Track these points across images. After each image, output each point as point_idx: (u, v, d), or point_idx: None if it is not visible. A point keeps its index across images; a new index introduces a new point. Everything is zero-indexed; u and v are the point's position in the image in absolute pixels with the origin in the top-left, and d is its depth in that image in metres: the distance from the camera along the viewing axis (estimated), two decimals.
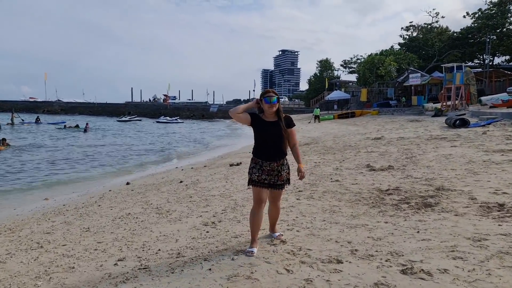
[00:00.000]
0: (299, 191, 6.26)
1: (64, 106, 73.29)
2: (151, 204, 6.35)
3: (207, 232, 4.35)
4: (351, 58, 53.50)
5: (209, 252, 3.65)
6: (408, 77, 31.30)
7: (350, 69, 53.90)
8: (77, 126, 34.01)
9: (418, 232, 3.64)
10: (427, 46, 39.77)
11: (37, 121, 40.92)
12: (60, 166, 13.38)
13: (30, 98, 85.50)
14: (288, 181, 3.84)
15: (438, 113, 22.25)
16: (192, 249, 3.81)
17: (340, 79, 53.48)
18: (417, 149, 10.15)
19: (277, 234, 3.90)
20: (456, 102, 22.57)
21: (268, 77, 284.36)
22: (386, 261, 2.99)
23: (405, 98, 32.05)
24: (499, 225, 3.56)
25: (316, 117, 31.02)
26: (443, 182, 5.73)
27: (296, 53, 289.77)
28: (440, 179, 6.01)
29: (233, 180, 8.10)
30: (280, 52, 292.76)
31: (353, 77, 54.29)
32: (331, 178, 7.17)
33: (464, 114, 19.00)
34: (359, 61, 50.85)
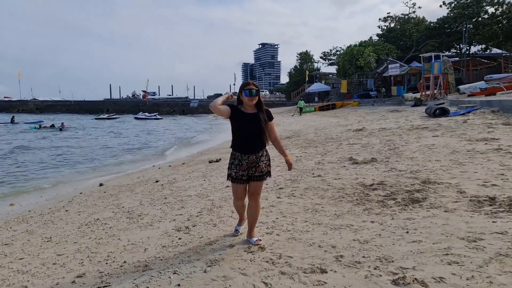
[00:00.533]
0: (280, 188, 5.94)
1: (39, 104, 70.78)
2: (123, 207, 5.90)
3: (179, 239, 3.96)
4: (330, 50, 53.62)
5: (180, 263, 3.27)
6: (387, 67, 31.44)
7: (330, 61, 54.00)
8: (52, 125, 32.65)
9: (407, 232, 3.36)
10: (404, 36, 40.06)
11: (13, 121, 39.06)
12: (31, 168, 12.65)
13: (4, 97, 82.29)
14: (268, 173, 3.72)
15: (417, 102, 22.37)
16: (161, 260, 3.42)
17: (320, 71, 53.51)
18: (399, 140, 9.99)
19: (255, 239, 3.59)
20: (435, 91, 22.73)
21: (248, 71, 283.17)
22: (375, 269, 2.68)
23: (385, 89, 32.23)
24: (493, 222, 3.31)
25: (301, 109, 30.71)
26: (428, 175, 5.51)
27: (276, 46, 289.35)
28: (425, 171, 5.80)
29: (211, 178, 7.71)
30: (260, 46, 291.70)
31: (333, 69, 54.55)
32: (313, 173, 6.88)
33: (443, 103, 19.11)
34: (338, 52, 50.97)
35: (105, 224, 4.99)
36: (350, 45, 40.72)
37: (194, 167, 9.97)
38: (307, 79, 48.81)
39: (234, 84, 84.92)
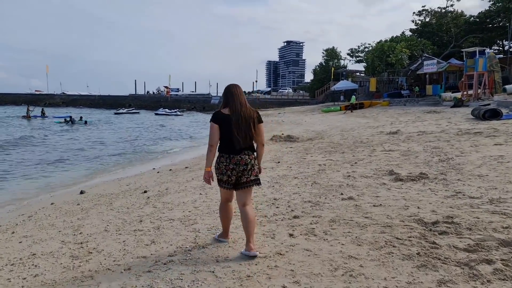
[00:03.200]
0: (295, 217, 4.20)
1: (65, 98, 71.68)
2: (80, 233, 4.34)
3: None
4: (358, 47, 50.80)
5: None
6: (422, 64, 28.82)
7: (358, 58, 51.28)
8: (81, 118, 31.53)
9: None
10: (441, 31, 37.03)
11: (43, 114, 38.46)
12: (22, 167, 11.38)
13: (35, 91, 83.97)
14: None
15: (458, 103, 19.95)
16: None
17: (347, 68, 50.92)
18: (449, 148, 8.01)
19: (256, 253, 3.14)
20: (479, 91, 20.21)
21: (272, 69, 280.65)
22: None
23: (419, 88, 29.60)
24: None
25: (352, 106, 27.69)
26: None
27: (301, 44, 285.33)
28: None
29: (210, 190, 6.06)
30: (285, 43, 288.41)
31: (360, 67, 51.72)
32: (342, 193, 5.10)
33: (489, 104, 16.72)
34: (367, 49, 48.24)
35: (35, 266, 3.41)
36: (381, 40, 38.10)
37: (196, 172, 8.35)
38: (332, 76, 46.42)
39: (256, 81, 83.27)
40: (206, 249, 3.42)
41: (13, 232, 4.69)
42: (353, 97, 29.10)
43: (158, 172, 9.16)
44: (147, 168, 10.65)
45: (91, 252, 3.64)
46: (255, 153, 3.42)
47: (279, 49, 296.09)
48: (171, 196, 5.98)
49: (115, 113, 46.74)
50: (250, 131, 3.29)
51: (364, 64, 45.87)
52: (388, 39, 37.88)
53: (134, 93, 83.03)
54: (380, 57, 34.50)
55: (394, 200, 4.43)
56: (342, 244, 3.19)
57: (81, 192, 7.20)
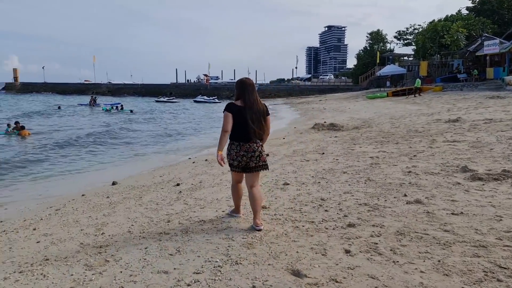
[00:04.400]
0: (350, 225, 3.40)
1: (111, 87, 74.29)
2: (102, 233, 3.85)
3: None
4: (406, 29, 47.67)
5: None
6: (482, 45, 26.12)
7: (406, 41, 48.14)
8: (131, 111, 31.46)
9: None
10: (502, 8, 33.47)
11: (95, 102, 38.99)
12: (62, 156, 11.34)
13: (85, 80, 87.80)
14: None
15: None
16: None
17: (394, 52, 47.98)
18: None
19: (261, 227, 3.53)
20: None
21: (312, 55, 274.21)
22: None
23: (478, 71, 26.95)
24: None
25: (417, 89, 25.48)
26: None
27: (343, 29, 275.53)
28: None
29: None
30: (326, 28, 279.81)
31: (409, 50, 48.60)
32: (406, 195, 4.21)
33: None
34: (416, 31, 45.06)
35: (44, 276, 2.92)
36: (433, 20, 35.11)
37: None
38: (378, 61, 43.93)
39: (296, 68, 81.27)
40: (240, 267, 2.74)
41: (34, 229, 4.31)
42: (418, 80, 26.13)
43: (193, 163, 8.65)
44: (183, 158, 10.22)
45: (108, 261, 3.10)
46: (261, 142, 3.72)
47: (319, 34, 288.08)
48: (204, 191, 5.38)
49: (156, 101, 47.53)
50: (261, 123, 3.62)
51: (413, 47, 42.92)
52: (442, 19, 34.89)
53: (175, 81, 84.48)
54: (433, 38, 31.86)
55: (478, 207, 3.50)
56: (422, 272, 2.37)
57: (113, 183, 6.84)
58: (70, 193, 6.58)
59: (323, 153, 7.90)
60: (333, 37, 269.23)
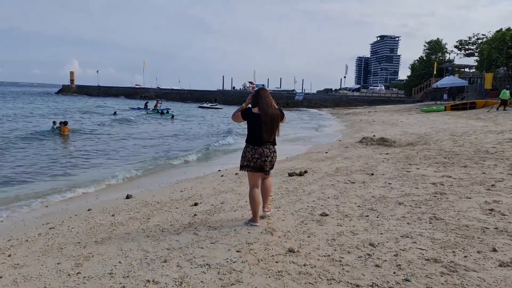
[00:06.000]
0: None
1: (158, 92, 76.66)
2: (77, 273, 3.00)
3: None
4: (469, 38, 44.02)
5: None
6: None
7: (467, 51, 44.47)
8: (173, 116, 31.10)
9: None
10: None
11: (146, 106, 38.25)
12: (88, 160, 10.89)
13: (136, 84, 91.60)
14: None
15: None
16: None
17: (454, 63, 44.51)
18: None
19: (268, 212, 4.17)
20: None
21: (362, 65, 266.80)
22: None
23: None
24: None
25: (504, 102, 21.23)
26: None
27: (397, 39, 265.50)
28: None
29: (274, 219, 4.34)
30: (378, 38, 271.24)
31: (470, 61, 44.80)
32: (495, 249, 2.94)
33: None
34: (480, 40, 41.45)
35: None
36: (501, 29, 31.86)
37: None
38: (435, 72, 40.90)
39: (344, 77, 78.74)
40: None
41: (9, 255, 3.56)
42: (505, 91, 21.52)
43: (222, 176, 7.74)
44: (214, 169, 9.36)
45: None
46: (275, 146, 4.02)
47: (371, 44, 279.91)
48: (222, 217, 4.41)
49: (199, 107, 47.79)
50: (274, 128, 3.91)
51: (476, 58, 39.45)
52: (511, 28, 31.58)
53: (221, 88, 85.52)
54: (500, 48, 28.81)
55: None
56: None
57: (127, 197, 6.09)
58: (80, 204, 5.92)
59: (372, 174, 6.65)
60: (385, 47, 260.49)
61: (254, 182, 4.01)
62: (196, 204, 5.17)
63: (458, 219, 3.85)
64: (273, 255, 3.12)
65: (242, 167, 4.00)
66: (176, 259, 3.15)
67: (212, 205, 5.10)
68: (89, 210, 5.41)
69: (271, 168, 4.06)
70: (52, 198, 6.80)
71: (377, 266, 2.80)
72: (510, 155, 7.83)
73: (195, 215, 4.58)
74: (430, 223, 3.79)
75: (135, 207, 5.39)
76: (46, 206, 6.09)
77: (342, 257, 3.00)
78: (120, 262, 3.14)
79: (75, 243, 3.76)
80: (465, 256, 2.89)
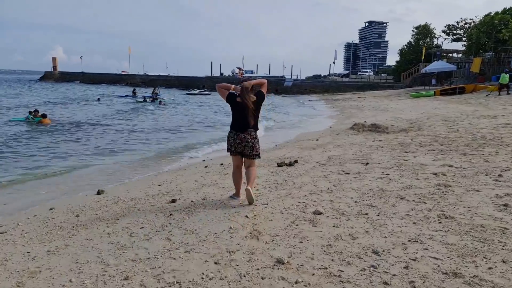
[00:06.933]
0: None
1: (145, 79, 74.85)
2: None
3: None
4: (457, 23, 43.79)
5: None
6: None
7: (455, 36, 44.28)
8: (160, 101, 30.15)
9: None
10: None
11: (134, 94, 37.13)
12: (62, 152, 9.89)
13: (122, 71, 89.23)
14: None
15: None
16: None
17: (442, 48, 44.27)
18: None
19: (249, 188, 4.10)
20: None
21: (351, 51, 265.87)
22: None
23: None
24: None
25: (504, 86, 20.35)
26: None
27: (385, 24, 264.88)
28: None
29: (259, 214, 3.81)
30: (367, 24, 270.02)
31: (458, 46, 44.69)
32: None
33: None
34: (467, 25, 41.25)
35: None
36: (489, 13, 31.54)
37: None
38: (423, 57, 40.61)
39: (334, 63, 78.06)
40: None
41: None
42: (504, 75, 20.45)
43: (206, 167, 7.15)
44: (198, 159, 8.75)
45: None
46: (257, 132, 4.26)
47: (359, 30, 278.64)
48: (202, 216, 3.85)
49: (187, 93, 46.72)
50: (254, 115, 4.16)
51: (464, 42, 39.27)
52: (500, 11, 31.32)
53: (209, 75, 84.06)
54: (489, 32, 28.54)
55: None
56: None
57: (98, 193, 5.46)
58: (42, 203, 5.27)
59: (367, 163, 6.16)
60: (373, 33, 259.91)
61: (236, 163, 4.36)
62: (173, 201, 4.59)
63: (471, 217, 3.37)
64: (258, 269, 2.58)
65: (227, 149, 4.32)
66: (141, 275, 2.59)
67: (191, 201, 4.53)
68: (51, 209, 4.77)
69: (257, 154, 4.22)
70: (16, 193, 6.11)
71: (385, 284, 2.29)
72: (510, 141, 7.44)
73: (171, 214, 4.01)
74: (440, 222, 3.30)
75: (105, 204, 4.79)
76: (5, 204, 5.41)
77: (342, 271, 2.48)
78: (70, 281, 2.55)
79: (24, 253, 3.16)
80: (489, 268, 2.40)
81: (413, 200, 4.00)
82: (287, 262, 2.65)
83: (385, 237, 3.03)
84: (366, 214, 3.65)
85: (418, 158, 6.38)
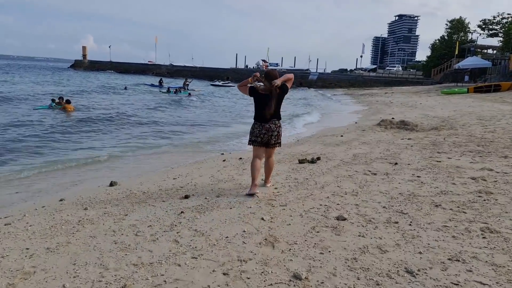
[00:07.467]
0: None
1: (170, 69, 75.55)
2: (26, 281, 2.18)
3: None
4: (493, 17, 41.44)
5: None
6: None
7: (491, 32, 41.95)
8: (187, 92, 29.87)
9: None
10: None
11: (161, 84, 37.05)
12: (70, 142, 9.69)
13: (148, 61, 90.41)
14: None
15: None
16: None
17: (476, 43, 42.13)
18: None
19: (268, 185, 4.52)
20: None
21: (380, 45, 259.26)
22: None
23: None
24: None
25: None
26: None
27: (416, 18, 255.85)
28: None
29: (276, 216, 3.48)
30: (397, 18, 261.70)
31: (494, 41, 42.34)
32: None
33: None
34: (505, 20, 38.97)
35: None
36: None
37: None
38: (456, 52, 38.76)
39: (361, 57, 76.21)
40: None
41: None
42: None
43: (224, 161, 6.87)
44: (217, 153, 8.48)
45: None
46: (280, 121, 4.34)
47: (389, 24, 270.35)
48: (214, 216, 3.55)
49: (211, 85, 46.69)
50: (279, 104, 4.25)
51: (500, 38, 37.17)
52: None
53: (234, 66, 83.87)
54: None
55: None
56: None
57: (111, 184, 5.27)
58: (53, 194, 5.14)
59: (396, 164, 5.69)
60: (403, 27, 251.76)
61: (257, 154, 4.35)
62: (186, 197, 4.33)
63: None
64: (271, 284, 2.25)
65: (250, 142, 4.33)
66: (140, 283, 2.32)
67: (205, 198, 4.25)
68: (61, 200, 4.61)
69: (279, 143, 4.35)
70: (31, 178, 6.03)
71: None
72: None
73: (182, 212, 3.74)
74: (484, 237, 2.86)
75: (115, 197, 4.58)
76: (17, 192, 5.32)
77: None
78: (64, 286, 2.31)
79: (23, 249, 2.96)
80: None
81: (450, 209, 3.56)
82: (305, 277, 2.31)
83: (420, 252, 2.63)
84: (396, 222, 3.25)
85: (453, 160, 5.85)
